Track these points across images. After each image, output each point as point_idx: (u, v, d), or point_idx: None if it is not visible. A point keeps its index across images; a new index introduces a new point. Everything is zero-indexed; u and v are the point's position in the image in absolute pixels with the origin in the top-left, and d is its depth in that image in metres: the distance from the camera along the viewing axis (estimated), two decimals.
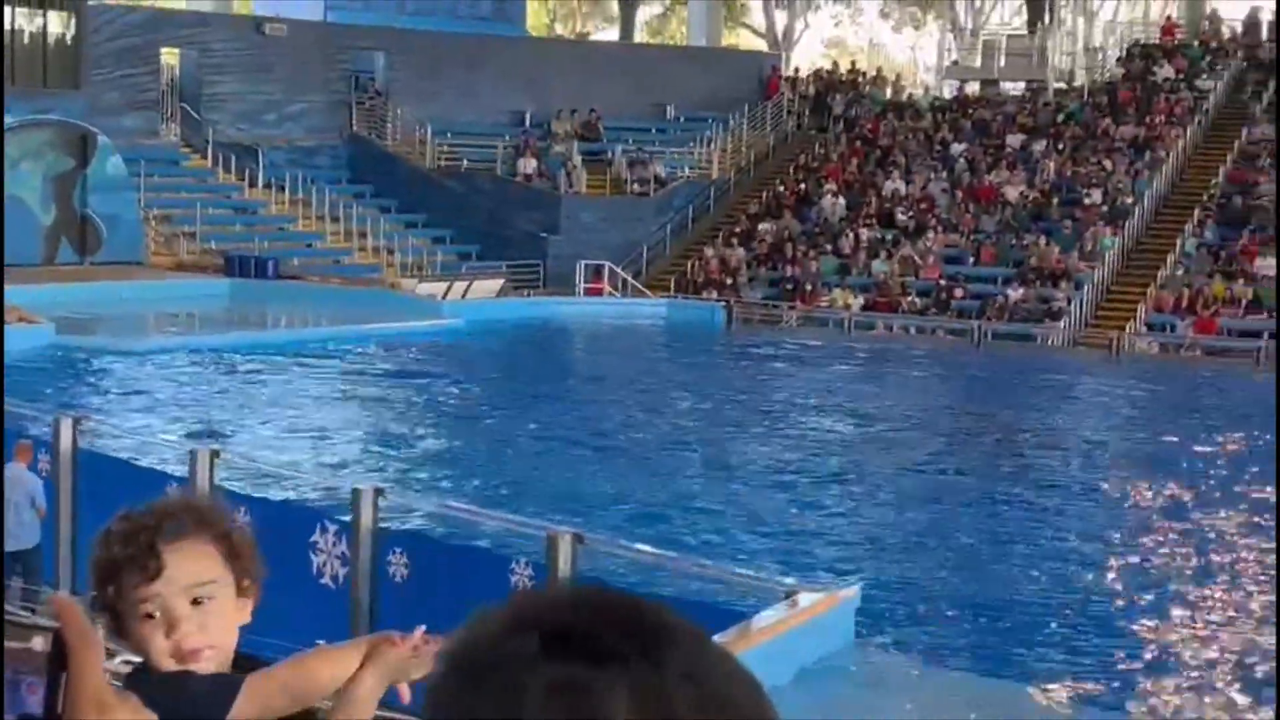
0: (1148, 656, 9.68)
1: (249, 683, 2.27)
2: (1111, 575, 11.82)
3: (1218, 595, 11.38)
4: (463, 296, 30.65)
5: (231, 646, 2.23)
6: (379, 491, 9.43)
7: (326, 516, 9.77)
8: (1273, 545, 12.98)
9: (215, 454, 10.32)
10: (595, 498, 13.88)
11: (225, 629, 2.22)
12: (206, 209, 34.37)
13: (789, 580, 8.32)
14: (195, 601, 2.19)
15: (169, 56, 37.88)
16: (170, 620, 2.17)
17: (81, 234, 31.04)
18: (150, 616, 2.18)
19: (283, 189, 35.86)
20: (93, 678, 1.96)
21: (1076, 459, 17.45)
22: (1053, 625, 10.28)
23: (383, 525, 9.26)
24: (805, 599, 7.89)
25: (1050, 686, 8.77)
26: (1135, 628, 10.32)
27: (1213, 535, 13.38)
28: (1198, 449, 18.05)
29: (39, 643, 1.98)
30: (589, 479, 14.81)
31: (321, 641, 2.35)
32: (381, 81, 40.19)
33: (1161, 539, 13.06)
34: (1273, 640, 9.83)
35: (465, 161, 38.68)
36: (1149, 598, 11.13)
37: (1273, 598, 11.26)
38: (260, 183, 36.16)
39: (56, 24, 34.68)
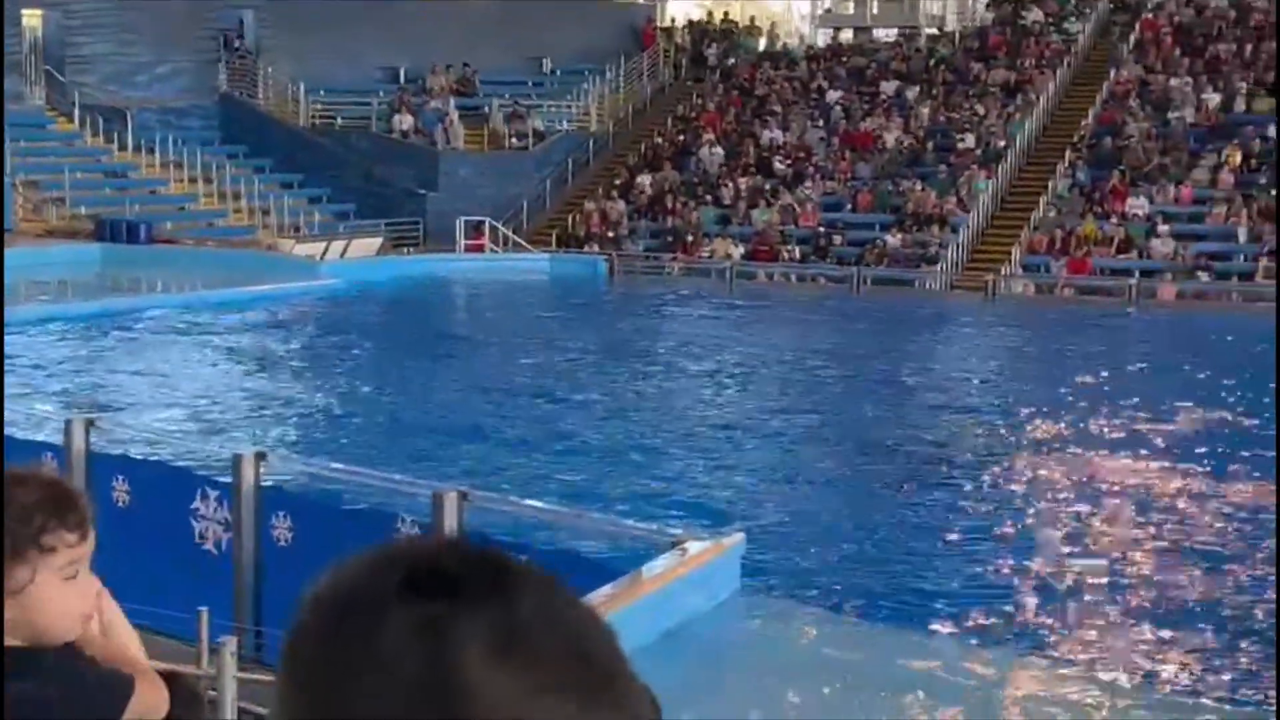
0: (1038, 594, 9.87)
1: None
2: (997, 514, 12.02)
3: (1105, 527, 11.62)
4: (341, 256, 30.35)
5: None
6: (260, 456, 9.33)
7: (207, 482, 9.65)
8: (1159, 466, 13.30)
9: (90, 422, 10.15)
10: (480, 454, 13.84)
11: None
12: (75, 173, 33.64)
13: (675, 530, 8.36)
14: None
15: (30, 18, 36.94)
16: (87, 582, 2.23)
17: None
18: (73, 579, 2.18)
19: (153, 151, 35.21)
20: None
21: (957, 401, 17.70)
22: (938, 569, 10.43)
23: (265, 488, 9.17)
24: (693, 547, 7.94)
25: (939, 629, 8.91)
26: (1022, 565, 10.51)
27: (1099, 468, 13.64)
28: (1075, 384, 18.38)
29: None
30: (473, 436, 14.77)
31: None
32: (251, 39, 39.54)
33: (1047, 476, 13.29)
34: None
35: (340, 119, 38.26)
36: (1036, 535, 11.33)
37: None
38: (130, 145, 35.47)
39: None
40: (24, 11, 36.60)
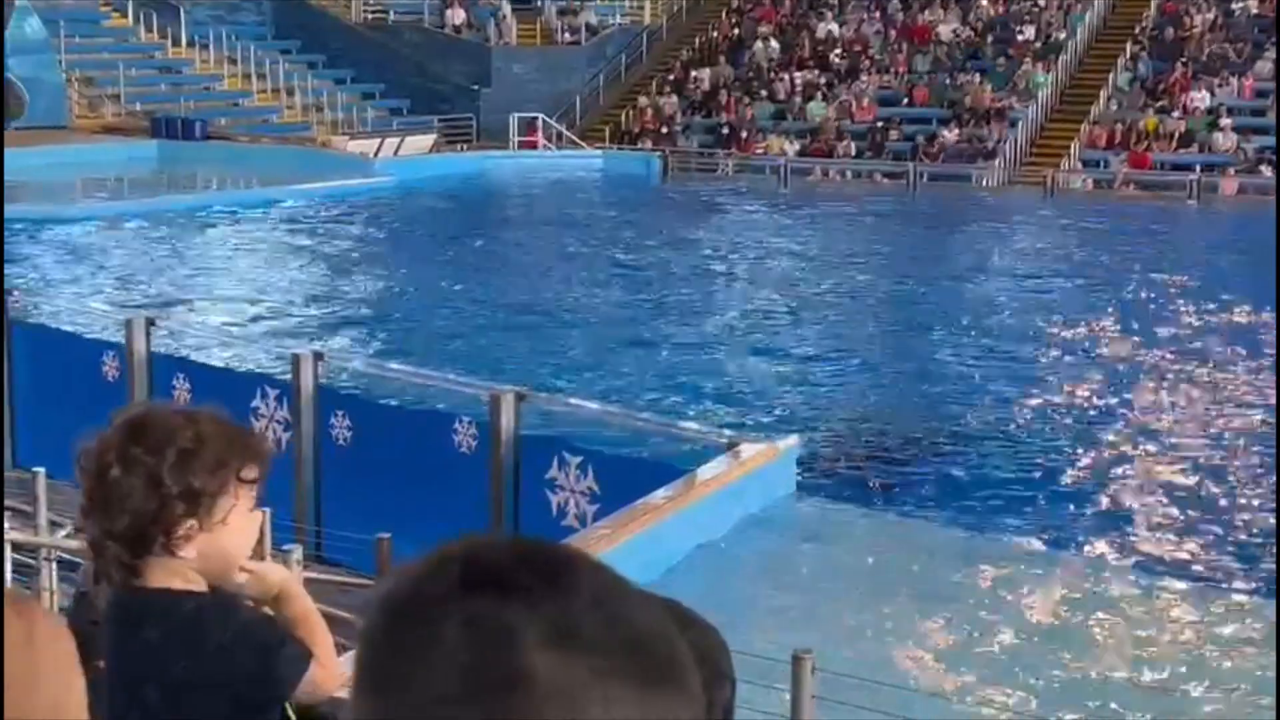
0: (1098, 495, 9.86)
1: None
2: (1057, 416, 11.98)
3: (1167, 428, 11.57)
4: (395, 153, 30.33)
5: None
6: (319, 356, 9.41)
7: (267, 381, 9.74)
8: (1225, 377, 13.22)
9: (151, 321, 10.25)
10: (537, 355, 13.89)
11: None
12: (130, 70, 33.66)
13: (730, 432, 8.39)
14: None
15: None
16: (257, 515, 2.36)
17: (4, 98, 30.36)
18: (251, 510, 2.33)
19: (207, 47, 35.15)
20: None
21: (1014, 300, 17.59)
22: (998, 469, 10.43)
23: (323, 387, 9.25)
24: (747, 450, 7.96)
25: (992, 530, 8.92)
26: (1083, 468, 10.48)
27: (1159, 366, 13.57)
28: (1134, 282, 18.23)
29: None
30: (529, 336, 14.81)
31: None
32: None
33: (1107, 376, 13.22)
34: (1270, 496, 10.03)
35: (392, 15, 38.03)
36: (1096, 437, 11.29)
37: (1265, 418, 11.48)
38: (184, 41, 35.41)
39: None
40: None
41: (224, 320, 15.12)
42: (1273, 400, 12.07)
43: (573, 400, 10.02)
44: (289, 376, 9.24)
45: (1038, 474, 10.30)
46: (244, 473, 2.27)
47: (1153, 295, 17.41)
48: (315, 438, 9.19)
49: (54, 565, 6.77)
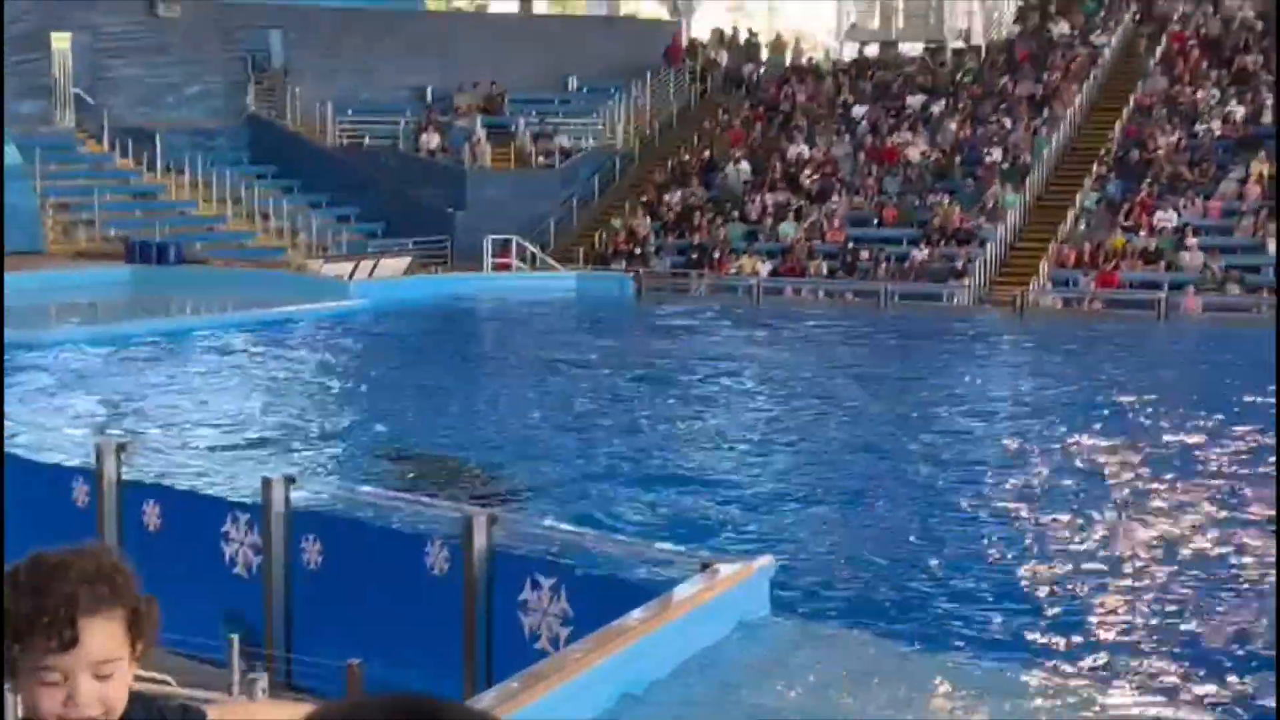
0: (1068, 613, 9.83)
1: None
2: (1025, 534, 11.97)
3: (1134, 550, 11.56)
4: (370, 275, 30.44)
5: (121, 707, 2.25)
6: (290, 479, 9.36)
7: (237, 506, 9.68)
8: (1185, 487, 13.23)
9: (121, 447, 10.20)
10: (511, 475, 13.85)
11: (119, 696, 2.25)
12: (105, 195, 33.86)
13: (704, 552, 8.35)
14: (99, 677, 2.20)
15: (59, 41, 37.19)
16: (72, 691, 2.19)
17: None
18: (53, 685, 2.18)
19: (183, 172, 35.40)
20: None
21: (986, 418, 17.64)
22: (968, 589, 10.40)
23: (295, 511, 9.19)
24: (722, 569, 7.91)
25: (967, 651, 8.88)
26: (1052, 587, 10.46)
27: (1131, 488, 13.58)
28: (1106, 401, 18.31)
29: None
30: (502, 457, 14.78)
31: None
32: (280, 60, 39.74)
33: (1079, 496, 13.22)
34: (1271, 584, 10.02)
35: (368, 139, 38.41)
36: (1066, 556, 11.28)
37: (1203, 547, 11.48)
38: (160, 167, 35.68)
39: None
40: (53, 35, 36.88)
41: (195, 445, 15.06)
42: (1247, 514, 12.11)
43: (546, 522, 9.98)
44: (260, 500, 9.18)
45: (1013, 596, 10.27)
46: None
47: (1124, 414, 17.48)
48: (286, 562, 9.12)
49: None
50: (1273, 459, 13.86)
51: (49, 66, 36.71)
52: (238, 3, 39.87)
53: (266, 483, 9.22)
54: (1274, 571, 10.15)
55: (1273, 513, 12.07)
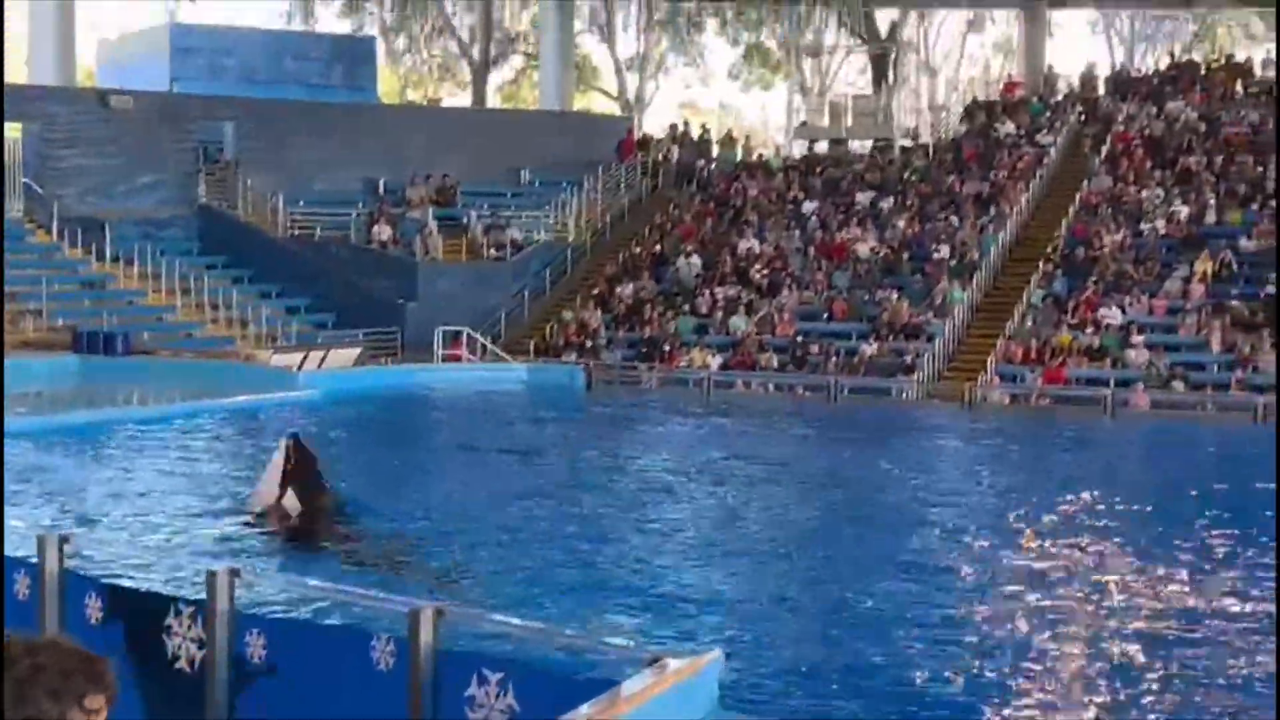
0: (1017, 709, 9.81)
1: None
2: (979, 630, 11.96)
3: (1087, 641, 11.57)
4: (319, 366, 30.36)
5: None
6: (234, 573, 9.26)
7: (181, 600, 9.56)
8: (1131, 586, 13.28)
9: (64, 539, 10.07)
10: (456, 569, 13.76)
11: None
12: (53, 285, 33.69)
13: (652, 647, 8.30)
14: None
15: (11, 131, 37.16)
16: None
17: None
18: None
19: (132, 262, 35.31)
20: None
21: (938, 512, 17.68)
22: (918, 684, 10.37)
23: (239, 605, 9.09)
24: (670, 664, 7.87)
25: None
26: (1003, 684, 10.45)
27: (1081, 582, 13.61)
28: (1054, 497, 18.39)
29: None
30: (449, 550, 14.69)
31: None
32: (231, 152, 39.83)
33: (1029, 589, 13.24)
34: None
35: (319, 230, 38.45)
36: (1017, 652, 11.27)
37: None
38: (109, 256, 35.57)
39: None
40: (6, 124, 36.84)
41: (141, 536, 14.89)
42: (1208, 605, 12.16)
43: (494, 615, 9.90)
44: (204, 594, 9.07)
45: (966, 691, 10.25)
46: (87, 701, 2.24)
47: (1071, 510, 17.55)
48: (229, 656, 9.00)
49: None
50: (1233, 553, 13.94)
51: None
52: (189, 94, 39.99)
53: (211, 576, 9.12)
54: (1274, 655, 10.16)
55: (1237, 599, 12.11)
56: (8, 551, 10.89)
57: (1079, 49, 60.90)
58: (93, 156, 37.65)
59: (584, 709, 7.22)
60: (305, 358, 30.64)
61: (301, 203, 38.42)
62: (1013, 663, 10.96)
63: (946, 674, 10.69)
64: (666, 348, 32.73)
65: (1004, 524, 16.61)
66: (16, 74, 45.00)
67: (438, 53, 64.08)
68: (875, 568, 14.31)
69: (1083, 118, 40.86)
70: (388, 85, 58.73)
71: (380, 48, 54.02)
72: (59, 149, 37.28)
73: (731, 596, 13.06)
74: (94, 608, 9.66)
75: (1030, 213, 36.56)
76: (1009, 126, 41.14)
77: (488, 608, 11.14)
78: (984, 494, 19.36)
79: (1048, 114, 41.69)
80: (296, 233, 38.32)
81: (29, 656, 2.20)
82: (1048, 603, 12.74)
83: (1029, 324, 31.78)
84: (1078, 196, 36.58)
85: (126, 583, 10.62)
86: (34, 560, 9.85)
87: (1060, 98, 43.46)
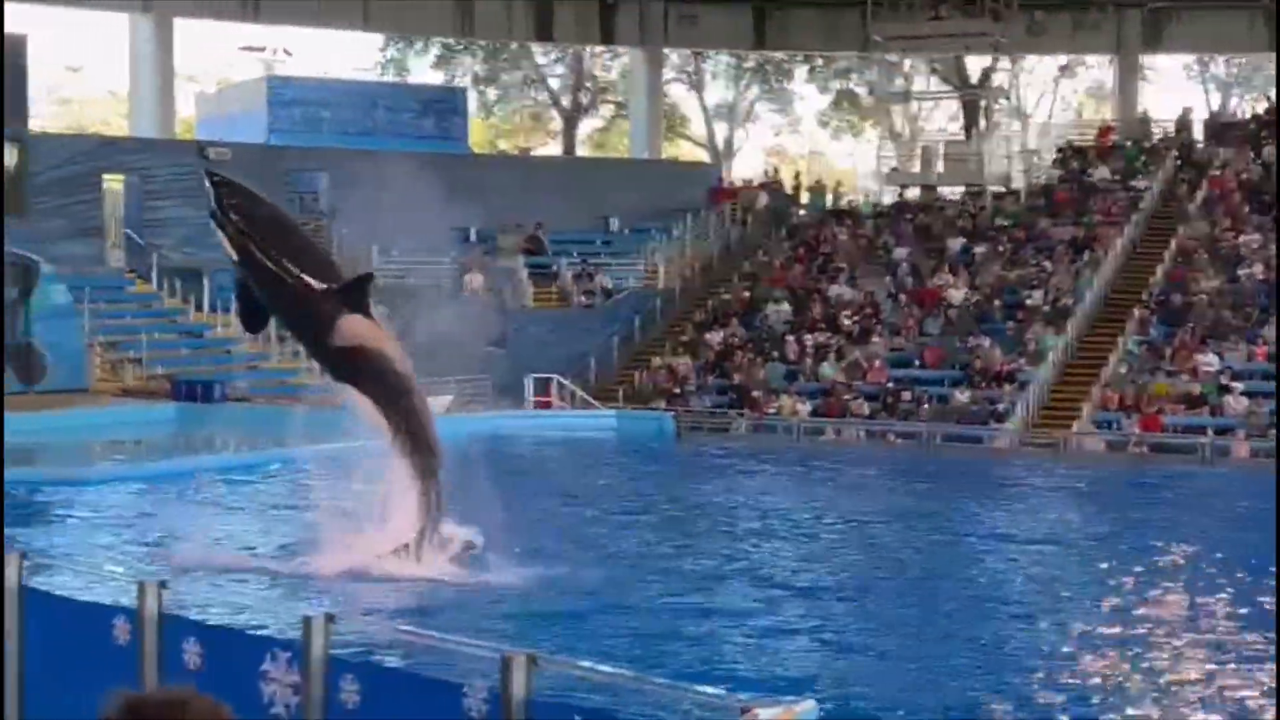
0: None
1: None
2: (1078, 684, 11.79)
3: (1195, 687, 11.39)
4: None
5: None
6: (330, 618, 9.34)
7: (277, 644, 9.65)
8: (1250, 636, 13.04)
9: (163, 584, 10.20)
10: (550, 616, 13.78)
11: None
12: (152, 334, 34.24)
13: (743, 696, 8.26)
14: None
15: (112, 183, 37.91)
16: None
17: (26, 363, 30.84)
18: None
19: (229, 310, 35.76)
20: None
21: (1032, 561, 17.47)
22: None
23: (334, 652, 9.16)
24: (762, 714, 7.83)
25: None
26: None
27: (1191, 631, 13.40)
28: (1154, 547, 18.12)
29: None
30: (543, 597, 14.71)
31: None
32: (326, 201, 40.34)
33: (1135, 639, 13.05)
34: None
35: (411, 278, 38.78)
36: (1115, 702, 11.11)
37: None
38: (206, 306, 36.10)
39: None
40: (105, 176, 37.63)
41: (238, 581, 15.06)
42: None
43: (585, 663, 9.90)
44: (300, 639, 9.15)
45: None
46: None
47: (1171, 561, 17.28)
48: (324, 702, 9.06)
49: None
50: None
51: (100, 207, 37.41)
52: (285, 146, 40.62)
53: (307, 621, 9.20)
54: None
55: None
56: (110, 598, 11.06)
57: (1174, 93, 60.38)
58: (191, 207, 38.25)
59: None
60: None
61: (394, 252, 38.82)
62: (1106, 711, 10.79)
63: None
64: (756, 395, 32.66)
65: (1101, 573, 16.38)
66: (118, 127, 45.92)
67: (529, 103, 64.64)
68: (968, 615, 14.16)
69: (1178, 162, 40.43)
70: (479, 135, 59.29)
71: (472, 98, 54.58)
72: (157, 200, 37.96)
73: (825, 644, 12.97)
74: (192, 652, 9.77)
75: (1125, 258, 36.18)
76: (1103, 171, 40.79)
77: (581, 655, 11.14)
78: (1082, 542, 19.09)
79: (1142, 159, 41.31)
80: (389, 281, 38.70)
81: (181, 711, 2.22)
82: (1150, 654, 12.54)
83: (1125, 371, 31.38)
84: (1173, 242, 36.16)
85: (223, 626, 10.73)
86: (133, 605, 9.99)
87: (1155, 142, 43.05)
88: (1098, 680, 11.74)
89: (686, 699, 8.66)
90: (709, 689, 9.21)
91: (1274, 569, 15.02)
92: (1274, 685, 9.86)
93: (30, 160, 34.89)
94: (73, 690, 10.53)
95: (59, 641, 10.49)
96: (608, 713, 8.11)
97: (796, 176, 48.66)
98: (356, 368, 15.13)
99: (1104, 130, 45.07)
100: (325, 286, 14.76)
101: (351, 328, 14.78)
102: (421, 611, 13.86)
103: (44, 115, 58.65)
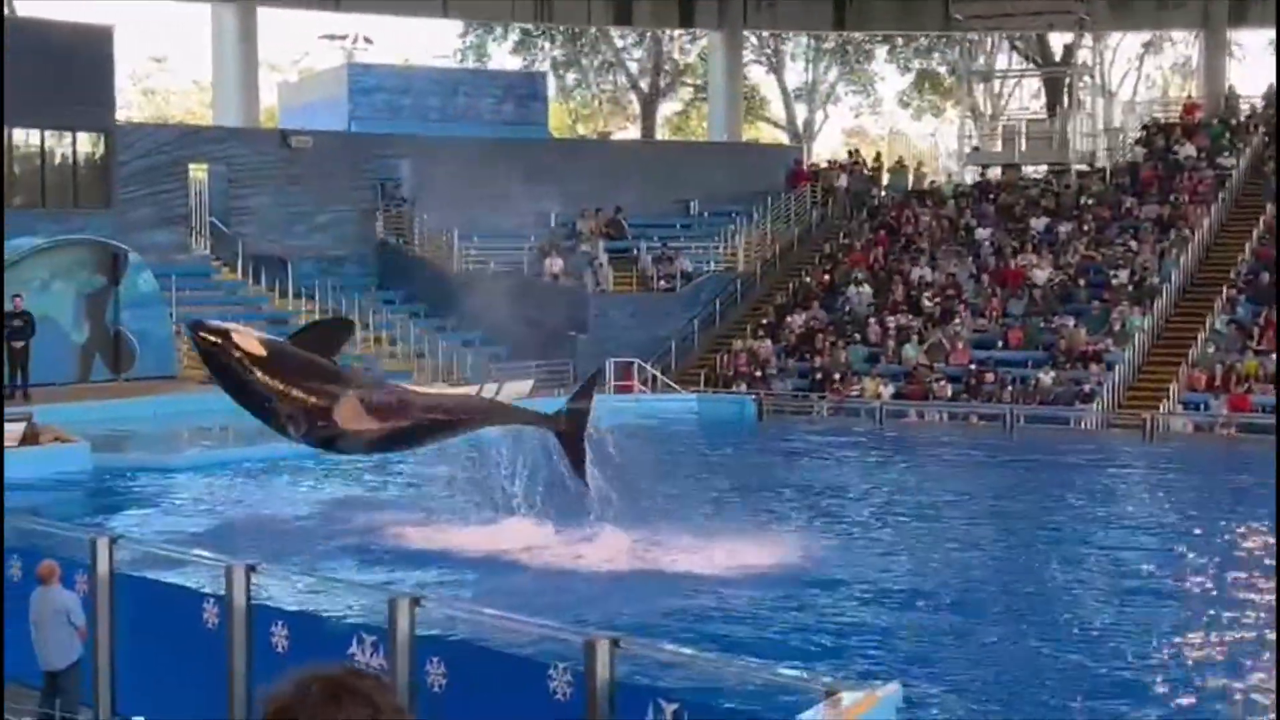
0: None
1: None
2: (1165, 667, 11.66)
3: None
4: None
5: None
6: (415, 601, 9.41)
7: (363, 628, 9.74)
8: None
9: (251, 568, 10.32)
10: (633, 599, 13.80)
11: None
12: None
13: (828, 679, 8.24)
14: None
15: (197, 172, 38.37)
16: None
17: (115, 351, 31.28)
18: None
19: (313, 298, 36.11)
20: None
21: (1119, 543, 17.28)
22: (1099, 713, 10.15)
23: (419, 633, 9.22)
24: (847, 698, 7.80)
25: None
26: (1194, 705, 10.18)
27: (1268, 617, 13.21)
28: (1245, 530, 17.87)
29: None
30: (625, 582, 14.74)
31: None
32: (407, 188, 40.59)
33: (1219, 625, 12.89)
34: None
35: (492, 264, 38.95)
36: (1209, 688, 10.97)
37: None
38: (290, 293, 36.45)
39: (86, 144, 35.22)
40: (191, 166, 38.07)
41: (326, 566, 15.20)
42: None
43: (668, 646, 9.92)
44: (385, 622, 9.23)
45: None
46: None
47: (1263, 543, 17.04)
48: (410, 684, 9.14)
49: None
50: None
51: (187, 196, 37.87)
52: (367, 133, 40.90)
53: (393, 604, 9.28)
54: None
55: None
56: (199, 584, 11.20)
57: (1261, 69, 59.37)
58: (274, 195, 38.68)
59: None
60: (479, 391, 30.96)
61: (475, 237, 38.99)
62: (1197, 695, 10.66)
63: (1129, 701, 10.44)
64: (837, 377, 32.52)
65: (1190, 554, 16.17)
66: (202, 117, 46.41)
67: (607, 87, 64.68)
68: (1054, 597, 14.03)
69: (1265, 139, 39.76)
70: (558, 120, 59.38)
71: (551, 83, 54.69)
72: (242, 189, 38.37)
73: (909, 627, 12.91)
74: (280, 636, 9.88)
75: (1212, 236, 35.66)
76: (1189, 149, 40.21)
77: (663, 637, 11.15)
78: (1171, 524, 18.86)
79: (1229, 136, 40.67)
80: (470, 267, 38.89)
81: (382, 693, 2.22)
82: (1247, 636, 12.37)
83: (1212, 350, 30.95)
84: (1261, 220, 35.59)
85: (309, 612, 10.84)
86: (221, 590, 10.11)
87: (1242, 119, 42.37)
88: (1199, 660, 11.60)
89: (770, 681, 8.65)
90: (792, 670, 9.19)
91: None
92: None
93: (117, 150, 35.35)
94: (158, 673, 10.69)
95: (148, 623, 10.64)
96: (688, 693, 8.11)
97: (877, 157, 48.33)
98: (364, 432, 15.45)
99: (1190, 107, 44.41)
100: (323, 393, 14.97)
101: (349, 409, 15.04)
102: (510, 593, 13.92)
103: (130, 106, 59.47)
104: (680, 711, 7.85)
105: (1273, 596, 13.34)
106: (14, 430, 21.18)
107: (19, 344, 27.61)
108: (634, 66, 62.03)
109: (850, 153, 48.69)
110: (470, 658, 9.24)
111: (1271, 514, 18.70)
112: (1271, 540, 16.95)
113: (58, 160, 34.91)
